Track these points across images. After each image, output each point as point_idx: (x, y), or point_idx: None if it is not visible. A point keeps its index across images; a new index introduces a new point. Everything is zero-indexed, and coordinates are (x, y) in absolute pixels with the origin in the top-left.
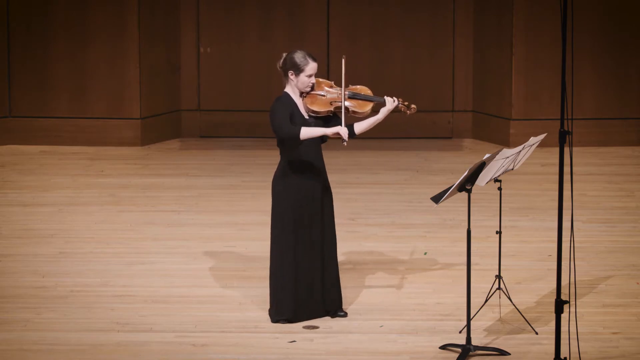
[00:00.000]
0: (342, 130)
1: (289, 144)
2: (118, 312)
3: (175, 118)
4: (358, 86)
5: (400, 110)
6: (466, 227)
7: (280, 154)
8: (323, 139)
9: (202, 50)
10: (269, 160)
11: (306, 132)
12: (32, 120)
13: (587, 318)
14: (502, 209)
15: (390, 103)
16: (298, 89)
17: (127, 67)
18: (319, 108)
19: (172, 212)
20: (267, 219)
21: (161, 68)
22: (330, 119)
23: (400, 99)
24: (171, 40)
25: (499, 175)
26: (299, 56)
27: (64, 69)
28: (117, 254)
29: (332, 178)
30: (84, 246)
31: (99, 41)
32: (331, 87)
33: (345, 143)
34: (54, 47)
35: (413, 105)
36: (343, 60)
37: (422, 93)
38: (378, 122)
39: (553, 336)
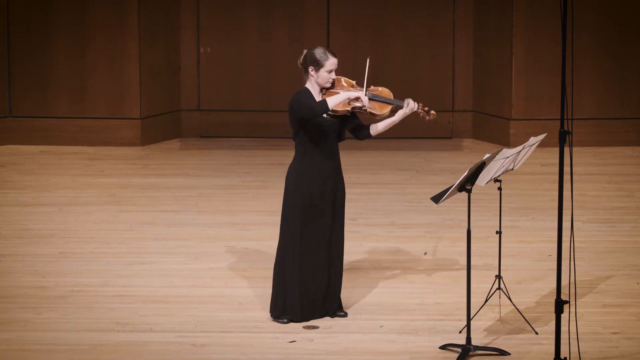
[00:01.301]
0: (365, 98)
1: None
2: (118, 312)
3: (175, 118)
4: (380, 88)
5: (419, 116)
6: (466, 227)
7: (295, 148)
8: (340, 137)
9: (202, 50)
10: (269, 160)
11: (332, 102)
12: (32, 120)
13: (587, 318)
14: (502, 209)
15: (407, 106)
16: (318, 84)
17: (127, 67)
18: (337, 107)
19: (172, 212)
20: (267, 218)
21: (161, 68)
22: (347, 119)
23: (420, 104)
24: (171, 40)
25: (499, 175)
26: (319, 52)
27: (64, 69)
28: (117, 254)
29: None
30: (84, 246)
31: (99, 41)
32: (352, 87)
33: (365, 108)
34: (54, 47)
35: (433, 112)
36: (368, 60)
37: (422, 93)
38: (394, 123)
39: (553, 336)
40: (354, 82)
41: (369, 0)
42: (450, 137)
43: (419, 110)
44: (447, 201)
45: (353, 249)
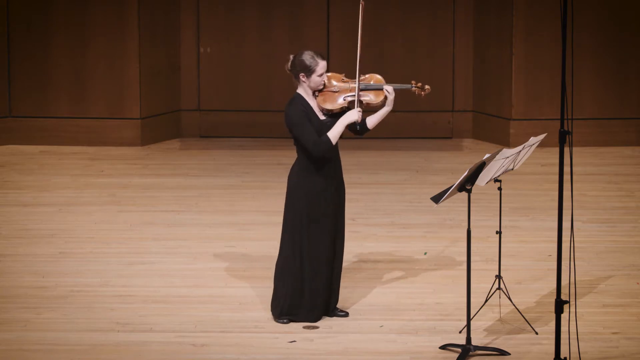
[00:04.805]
0: (354, 115)
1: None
2: (118, 312)
3: (175, 118)
4: (367, 75)
5: (415, 93)
6: (466, 227)
7: (297, 150)
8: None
9: (202, 50)
10: (269, 160)
11: (334, 136)
12: (32, 120)
13: (587, 318)
14: (502, 209)
15: (391, 93)
16: (311, 88)
17: (127, 67)
18: (333, 106)
19: (172, 212)
20: (267, 218)
21: (161, 68)
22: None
23: (413, 82)
24: (171, 40)
25: (499, 175)
26: (307, 57)
27: (64, 69)
28: (117, 254)
29: None
30: (84, 246)
31: (99, 41)
32: (342, 81)
33: (358, 127)
34: (54, 47)
35: (427, 86)
36: (361, 4)
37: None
38: (388, 112)
39: (553, 336)
40: (342, 76)
41: (369, 1)
42: (450, 137)
43: (414, 88)
44: (447, 201)
45: (353, 249)
